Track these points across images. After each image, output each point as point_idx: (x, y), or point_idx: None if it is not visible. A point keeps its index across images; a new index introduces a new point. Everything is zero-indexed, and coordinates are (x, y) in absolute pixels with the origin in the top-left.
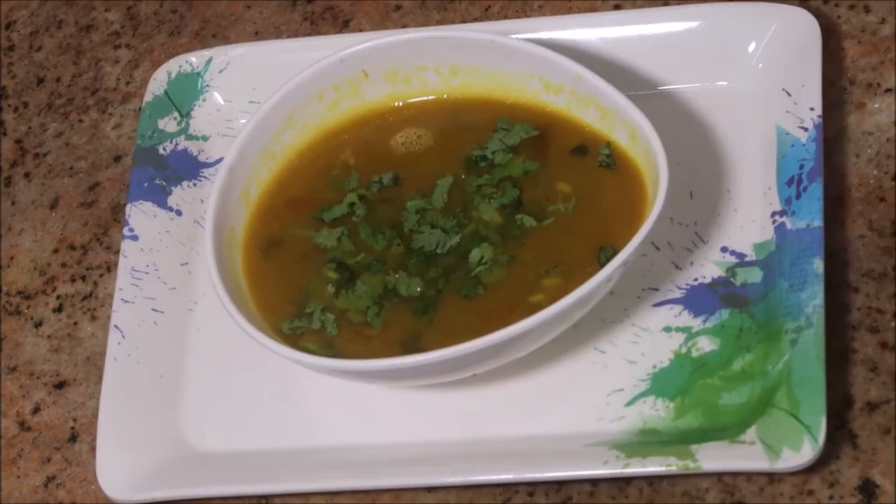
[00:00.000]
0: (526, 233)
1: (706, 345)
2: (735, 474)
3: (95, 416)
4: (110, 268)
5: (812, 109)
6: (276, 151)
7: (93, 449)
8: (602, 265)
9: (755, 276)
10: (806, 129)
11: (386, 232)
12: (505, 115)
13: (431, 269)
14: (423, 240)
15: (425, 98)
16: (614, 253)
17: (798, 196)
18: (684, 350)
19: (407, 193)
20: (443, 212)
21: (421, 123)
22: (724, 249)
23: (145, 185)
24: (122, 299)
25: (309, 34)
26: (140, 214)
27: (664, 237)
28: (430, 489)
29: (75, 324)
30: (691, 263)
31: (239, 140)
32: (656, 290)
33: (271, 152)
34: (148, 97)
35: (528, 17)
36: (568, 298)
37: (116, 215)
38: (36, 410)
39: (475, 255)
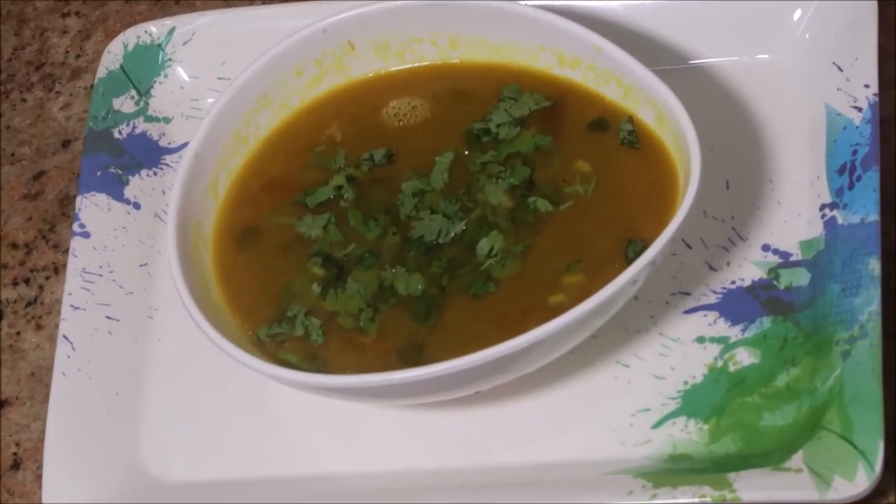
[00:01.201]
0: (541, 219)
1: (745, 358)
2: None
3: (41, 439)
4: (58, 269)
5: (867, 87)
6: (250, 134)
7: (38, 478)
8: (631, 261)
9: (801, 278)
10: (860, 110)
11: (379, 218)
12: (512, 83)
13: (434, 263)
14: (422, 227)
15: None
16: (645, 247)
17: (851, 186)
18: (720, 364)
19: (402, 173)
20: (444, 194)
21: (415, 92)
22: (765, 248)
23: (98, 173)
24: (72, 305)
25: (286, 0)
26: (92, 208)
27: (697, 233)
28: None
29: (18, 334)
30: (728, 264)
31: (206, 122)
32: (687, 294)
33: (244, 136)
34: (101, 73)
35: None
36: (594, 299)
37: (65, 209)
38: None
39: (484, 245)
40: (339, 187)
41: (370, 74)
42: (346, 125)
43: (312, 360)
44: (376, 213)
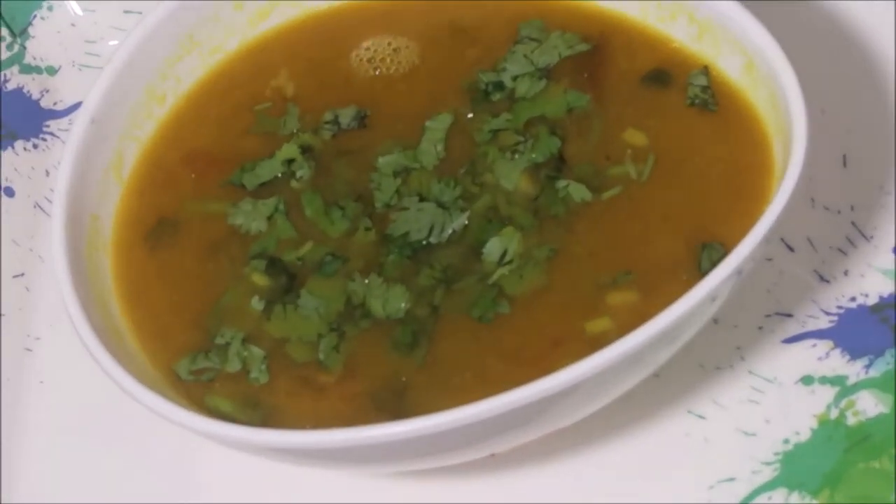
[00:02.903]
0: (575, 212)
1: (870, 406)
2: None
3: None
4: None
5: None
6: (168, 91)
7: None
8: (705, 272)
9: None
10: None
11: (346, 207)
12: (534, 17)
13: (423, 272)
14: (406, 221)
15: None
16: (723, 253)
17: None
18: (834, 414)
19: (379, 143)
20: (437, 173)
21: (398, 28)
22: None
23: None
24: None
25: None
26: None
27: (801, 230)
28: None
29: None
30: (845, 273)
31: (107, 74)
32: (788, 316)
33: (159, 93)
34: None
35: None
36: (653, 325)
37: None
38: None
39: (493, 247)
40: (290, 162)
41: (335, 2)
42: (300, 74)
43: (253, 408)
44: (342, 200)
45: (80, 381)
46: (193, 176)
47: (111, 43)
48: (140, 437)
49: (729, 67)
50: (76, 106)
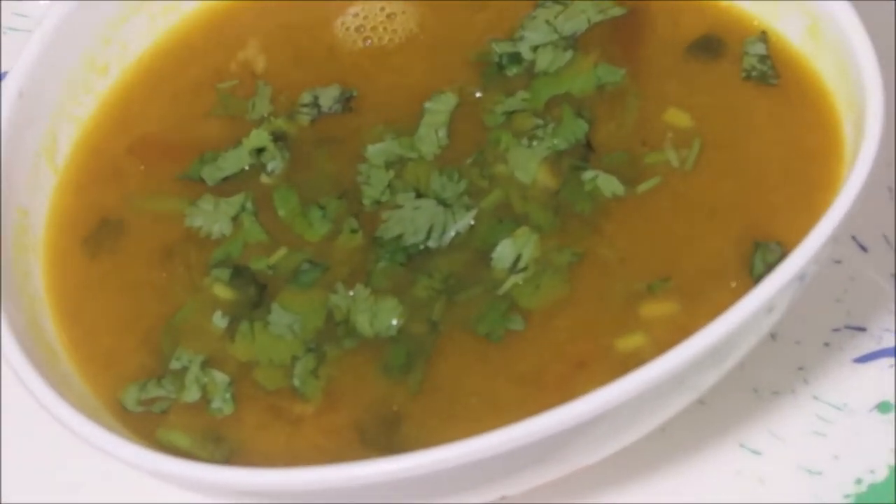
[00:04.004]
0: (604, 208)
1: None
2: None
3: None
4: None
5: None
6: (111, 61)
7: None
8: (759, 278)
9: None
10: None
11: (328, 205)
12: None
13: (419, 281)
14: (400, 221)
15: None
16: (782, 254)
17: None
18: None
19: (368, 128)
20: (438, 164)
21: None
22: None
23: None
24: None
25: None
26: None
27: (877, 226)
28: None
29: None
30: None
31: (37, 39)
32: (861, 330)
33: (101, 63)
34: None
35: None
36: (697, 341)
37: None
38: None
39: (505, 252)
40: (260, 151)
41: None
42: (272, 45)
43: (215, 443)
44: (323, 197)
45: (3, 414)
46: (143, 167)
47: (42, 1)
48: (77, 479)
49: (790, 32)
50: (0, 77)
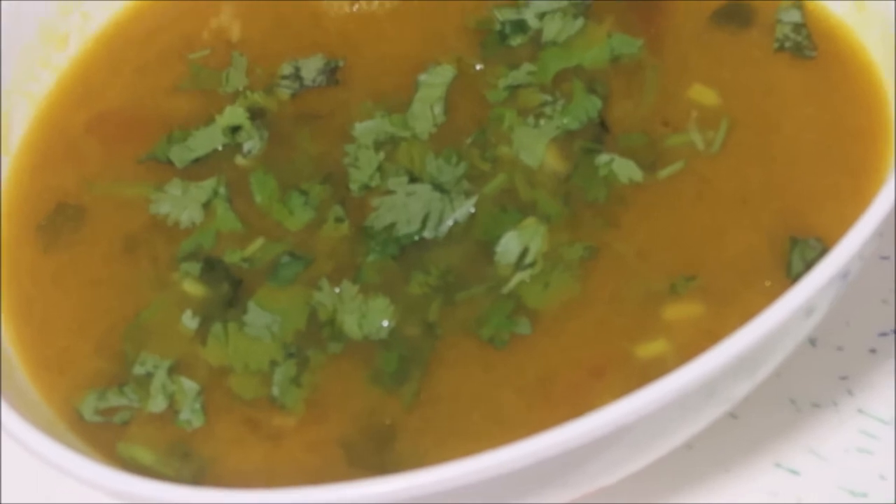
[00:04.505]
0: (620, 196)
1: None
2: None
3: None
4: None
5: None
6: (71, 31)
7: None
8: (796, 276)
9: None
10: None
11: (311, 190)
12: None
13: (414, 277)
14: (391, 209)
15: None
16: (821, 250)
17: None
18: None
19: (355, 104)
20: (434, 145)
21: None
22: None
23: None
24: None
25: None
26: None
27: None
28: None
29: None
30: None
31: None
32: None
33: (60, 33)
34: None
35: None
36: (721, 352)
37: None
38: None
39: (510, 245)
40: (235, 130)
41: None
42: (249, 11)
43: (182, 459)
44: (305, 181)
45: None
46: (104, 147)
47: None
48: (28, 494)
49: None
50: None
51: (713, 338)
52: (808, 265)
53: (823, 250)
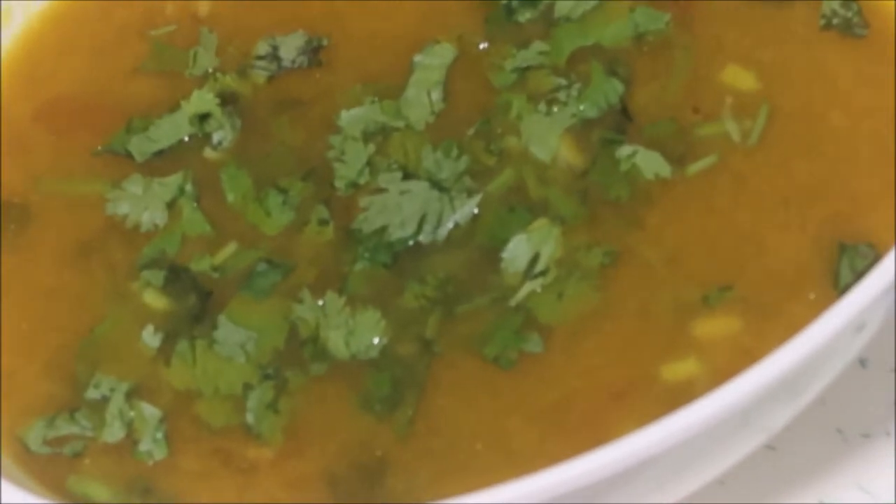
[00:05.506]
0: (645, 194)
1: None
2: None
3: None
4: None
5: None
6: (14, 4)
7: None
8: (845, 287)
9: None
10: None
11: (291, 188)
12: None
13: (409, 288)
14: (383, 209)
15: None
16: (874, 257)
17: None
18: None
19: (341, 88)
20: (432, 136)
21: None
22: None
23: None
24: None
25: None
26: None
27: None
28: None
29: None
30: None
31: None
32: None
33: (2, 7)
34: None
35: None
36: (758, 373)
37: None
38: None
39: (518, 250)
40: (204, 118)
41: None
42: None
43: (142, 495)
44: (283, 178)
45: None
46: (54, 138)
47: None
48: None
49: None
50: None
51: (750, 357)
52: (859, 275)
53: (876, 258)
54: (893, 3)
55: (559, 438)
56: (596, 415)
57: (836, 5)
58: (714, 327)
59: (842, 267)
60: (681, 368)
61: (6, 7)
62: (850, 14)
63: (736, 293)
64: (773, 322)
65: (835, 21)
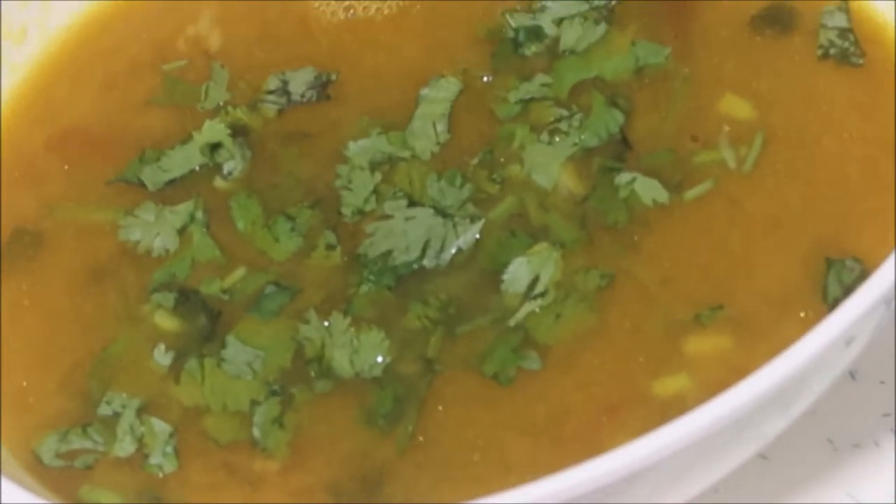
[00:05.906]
0: (643, 220)
1: None
2: None
3: None
4: None
5: None
6: (30, 28)
7: None
8: (834, 303)
9: None
10: None
11: (299, 216)
12: None
13: (411, 309)
14: (388, 235)
15: None
16: (861, 273)
17: None
18: None
19: (349, 121)
20: (437, 166)
21: None
22: None
23: None
24: None
25: None
26: None
27: None
28: None
29: None
30: None
31: None
32: None
33: (17, 29)
34: None
35: None
36: (749, 387)
37: None
38: None
39: (518, 273)
40: (215, 149)
41: None
42: (231, 18)
43: None
44: (292, 206)
45: None
46: (67, 167)
47: None
48: None
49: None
50: None
51: (740, 374)
52: (847, 289)
53: (863, 272)
54: (893, 31)
55: (554, 450)
56: (590, 428)
57: (832, 36)
58: (705, 345)
59: (829, 281)
60: (672, 384)
61: (19, 28)
62: (846, 44)
63: (727, 312)
64: (763, 340)
65: (832, 51)
